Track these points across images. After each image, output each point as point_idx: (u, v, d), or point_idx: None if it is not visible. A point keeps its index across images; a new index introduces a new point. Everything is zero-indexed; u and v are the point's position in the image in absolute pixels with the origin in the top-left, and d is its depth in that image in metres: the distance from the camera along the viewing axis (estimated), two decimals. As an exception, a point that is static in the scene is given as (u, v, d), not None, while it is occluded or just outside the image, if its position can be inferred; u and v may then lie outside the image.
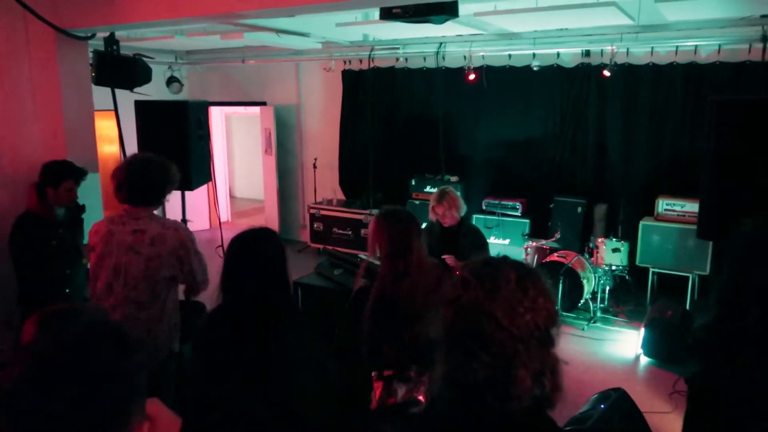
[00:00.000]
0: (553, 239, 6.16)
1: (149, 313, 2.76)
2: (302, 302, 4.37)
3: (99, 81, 4.33)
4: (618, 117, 6.43)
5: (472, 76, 6.72)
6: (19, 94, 4.18)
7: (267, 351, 1.94)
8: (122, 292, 2.74)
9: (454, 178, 7.21)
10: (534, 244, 6.24)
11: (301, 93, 8.74)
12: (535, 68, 6.49)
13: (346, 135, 8.29)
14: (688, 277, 5.69)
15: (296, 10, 3.84)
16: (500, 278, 1.17)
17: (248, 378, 1.93)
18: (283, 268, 2.10)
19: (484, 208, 7.01)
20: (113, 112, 4.42)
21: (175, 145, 4.64)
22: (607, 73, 6.04)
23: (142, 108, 4.96)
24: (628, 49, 6.07)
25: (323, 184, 8.51)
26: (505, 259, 1.24)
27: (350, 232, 7.81)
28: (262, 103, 8.94)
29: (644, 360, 4.96)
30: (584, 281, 5.68)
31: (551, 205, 6.65)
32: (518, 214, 6.82)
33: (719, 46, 5.66)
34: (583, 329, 5.56)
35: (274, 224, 8.82)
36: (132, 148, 4.65)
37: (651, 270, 5.96)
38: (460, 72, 6.86)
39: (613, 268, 5.84)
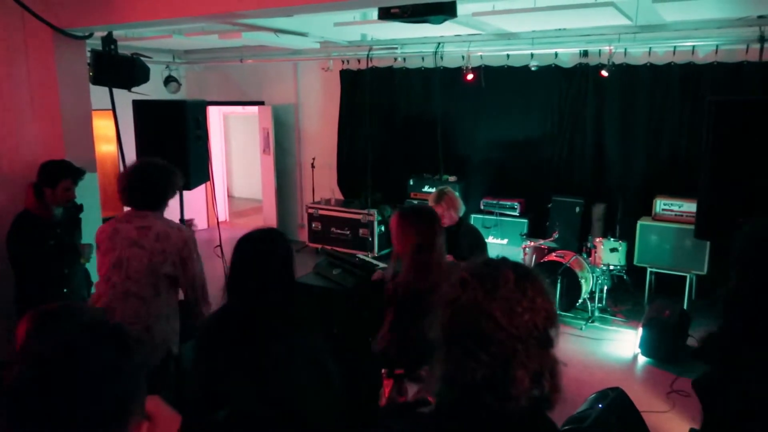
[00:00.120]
0: (551, 239, 6.17)
1: (149, 309, 2.77)
2: (300, 302, 4.36)
3: (97, 80, 4.32)
4: (616, 117, 6.44)
5: (470, 76, 6.72)
6: (17, 93, 4.18)
7: (269, 351, 1.94)
8: (123, 285, 2.76)
9: (452, 178, 7.21)
10: (532, 243, 6.24)
11: (300, 93, 8.73)
12: (533, 68, 6.50)
13: (345, 135, 8.29)
14: (685, 277, 5.70)
15: (294, 10, 3.84)
16: (499, 278, 1.17)
17: (250, 378, 1.93)
18: (290, 270, 2.11)
19: (482, 207, 7.02)
20: (111, 112, 4.41)
21: (173, 144, 4.63)
22: (605, 73, 6.05)
23: (140, 107, 4.95)
24: (626, 49, 6.08)
25: (321, 183, 8.51)
26: (504, 260, 1.24)
27: (348, 232, 7.81)
28: (260, 103, 8.93)
29: (642, 359, 4.97)
30: (582, 281, 5.69)
31: (549, 205, 6.66)
32: (516, 213, 6.83)
33: (717, 46, 5.67)
34: (581, 329, 5.57)
35: (272, 224, 8.82)
36: (130, 147, 4.64)
37: (649, 270, 5.97)
38: (458, 72, 6.86)
39: (611, 267, 5.85)
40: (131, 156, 4.65)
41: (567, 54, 6.52)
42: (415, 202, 7.23)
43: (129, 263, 2.76)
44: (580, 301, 5.80)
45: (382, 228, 7.64)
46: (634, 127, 6.37)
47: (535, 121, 6.93)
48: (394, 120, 7.85)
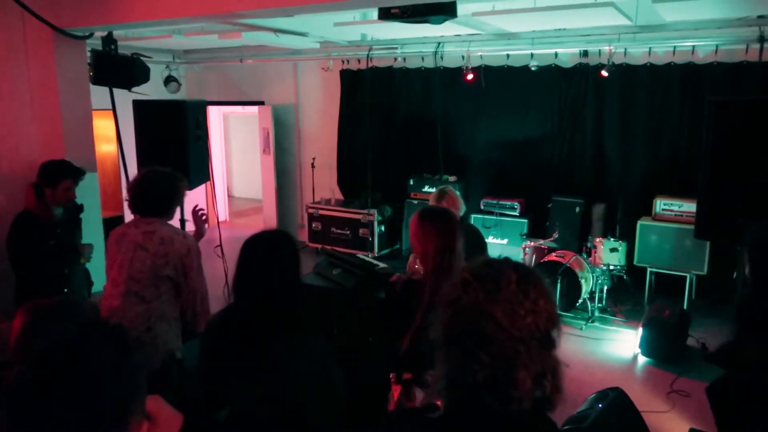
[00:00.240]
0: (551, 239, 6.17)
1: (150, 308, 2.82)
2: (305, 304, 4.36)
3: (97, 80, 4.33)
4: (616, 117, 6.44)
5: (470, 76, 6.72)
6: (17, 93, 4.18)
7: (271, 351, 1.94)
8: (125, 284, 2.82)
9: (452, 178, 7.21)
10: (532, 243, 6.24)
11: (300, 92, 8.73)
12: (533, 68, 6.50)
13: (345, 135, 8.29)
14: (685, 277, 5.70)
15: (294, 10, 3.84)
16: (501, 280, 1.16)
17: (251, 378, 1.93)
18: (297, 272, 2.10)
19: (482, 207, 7.02)
20: (111, 112, 4.42)
21: (173, 144, 4.64)
22: (605, 73, 6.05)
23: (140, 107, 4.95)
24: (625, 49, 6.08)
25: (321, 183, 8.51)
26: (506, 260, 1.24)
27: (348, 232, 7.81)
28: (260, 103, 8.93)
29: (642, 359, 4.97)
30: (582, 281, 5.69)
31: (549, 205, 6.66)
32: (516, 213, 6.83)
33: (716, 46, 5.67)
34: (581, 329, 5.57)
35: (272, 224, 8.82)
36: (130, 147, 4.65)
37: (649, 270, 5.97)
38: (458, 72, 6.86)
39: (611, 267, 5.85)
40: (131, 156, 4.67)
41: (567, 54, 6.52)
42: (415, 202, 7.25)
43: (132, 264, 2.83)
44: (580, 301, 5.80)
45: (382, 228, 7.65)
46: (634, 127, 6.37)
47: (535, 121, 6.92)
48: (394, 120, 7.85)
